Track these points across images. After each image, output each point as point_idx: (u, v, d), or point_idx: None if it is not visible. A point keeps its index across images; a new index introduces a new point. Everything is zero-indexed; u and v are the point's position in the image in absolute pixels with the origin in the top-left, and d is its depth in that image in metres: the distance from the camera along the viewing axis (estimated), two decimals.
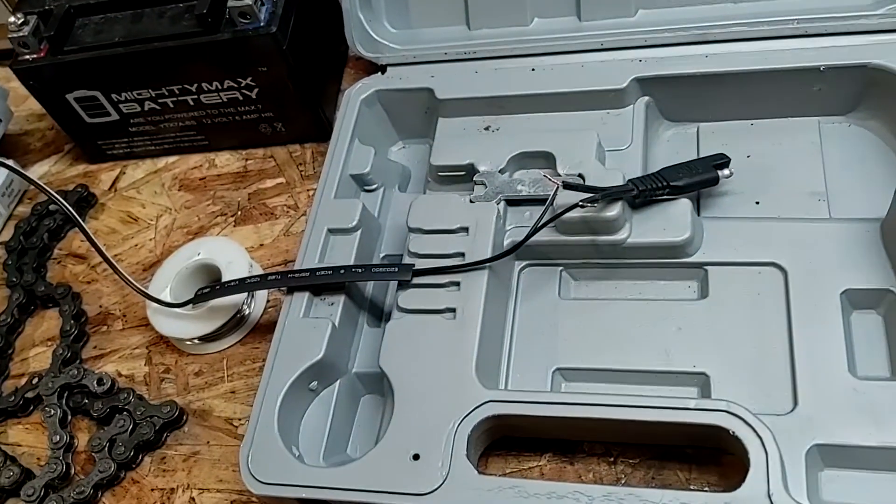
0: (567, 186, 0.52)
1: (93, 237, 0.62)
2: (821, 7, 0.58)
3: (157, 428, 0.57)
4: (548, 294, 0.56)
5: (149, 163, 0.75)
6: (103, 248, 0.62)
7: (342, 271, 0.55)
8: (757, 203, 0.57)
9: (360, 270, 0.55)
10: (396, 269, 0.54)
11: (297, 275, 0.56)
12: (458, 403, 0.49)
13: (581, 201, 0.51)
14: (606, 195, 0.52)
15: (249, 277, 0.57)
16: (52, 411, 0.59)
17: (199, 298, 0.58)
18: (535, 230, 0.52)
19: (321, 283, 0.55)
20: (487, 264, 0.53)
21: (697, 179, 0.55)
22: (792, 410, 0.46)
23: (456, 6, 0.65)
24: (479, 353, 0.50)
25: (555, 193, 0.52)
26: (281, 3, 0.64)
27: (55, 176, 0.77)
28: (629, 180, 0.54)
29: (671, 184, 0.54)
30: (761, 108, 0.60)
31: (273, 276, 0.56)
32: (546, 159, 0.57)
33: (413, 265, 0.54)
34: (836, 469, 0.46)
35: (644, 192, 0.53)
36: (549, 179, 0.53)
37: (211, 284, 0.58)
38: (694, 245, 0.54)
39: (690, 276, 0.54)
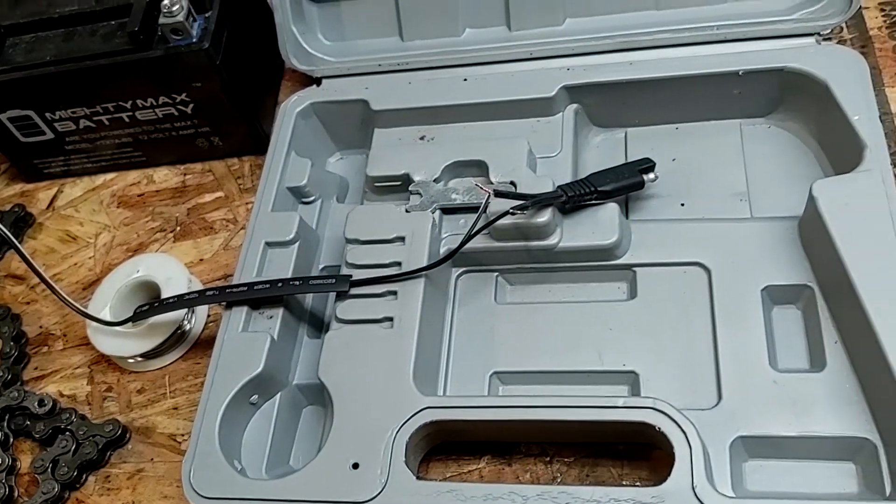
0: (498, 194, 0.53)
1: (29, 258, 0.61)
2: (739, 13, 0.60)
3: (100, 447, 0.58)
4: (484, 299, 0.57)
5: (87, 180, 0.75)
6: (41, 269, 0.62)
7: (280, 284, 0.56)
8: (682, 205, 0.59)
9: (297, 283, 0.56)
10: (334, 281, 0.55)
11: (235, 289, 0.56)
12: (396, 411, 0.50)
13: (512, 209, 0.53)
14: (536, 202, 0.54)
15: (188, 294, 0.58)
16: None
17: (138, 316, 0.58)
18: (469, 238, 0.53)
19: (259, 297, 0.56)
20: (423, 273, 0.54)
21: (624, 184, 0.56)
22: (716, 405, 0.48)
23: (389, 18, 0.66)
24: (417, 361, 0.51)
25: (487, 201, 0.54)
26: (213, 19, 0.64)
27: None
28: (559, 186, 0.55)
29: (599, 189, 0.55)
30: (685, 112, 0.62)
31: (211, 292, 0.57)
32: (479, 167, 0.59)
33: (350, 276, 0.55)
34: (759, 459, 0.48)
35: (573, 198, 0.55)
36: (481, 188, 0.54)
37: (150, 302, 0.58)
38: (622, 247, 0.55)
39: (620, 278, 0.56)
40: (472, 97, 0.63)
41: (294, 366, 0.57)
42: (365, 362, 0.52)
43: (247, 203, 0.69)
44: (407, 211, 0.58)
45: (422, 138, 0.64)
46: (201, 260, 0.67)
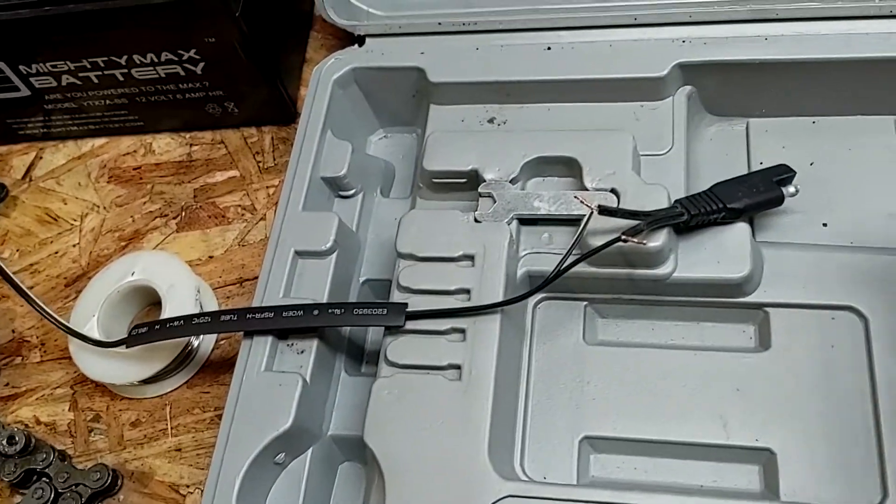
0: (604, 211, 0.41)
1: None
2: None
3: (84, 499, 0.46)
4: (569, 336, 0.45)
5: (71, 145, 0.62)
6: (12, 262, 0.50)
7: (316, 312, 0.44)
8: (824, 225, 0.46)
9: (339, 312, 0.44)
10: (385, 311, 0.43)
11: (258, 315, 0.44)
12: (469, 499, 0.38)
13: (624, 234, 0.40)
14: (653, 223, 0.41)
15: (198, 316, 0.45)
16: None
17: (133, 340, 0.46)
18: (565, 269, 0.41)
19: (290, 327, 0.44)
20: (501, 307, 0.42)
21: (759, 200, 0.44)
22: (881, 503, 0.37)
23: None
24: (493, 429, 0.40)
25: (587, 220, 0.42)
26: None
27: None
28: (676, 201, 0.43)
29: (728, 206, 0.43)
30: (827, 103, 0.49)
31: (228, 317, 0.45)
32: (568, 167, 0.46)
33: (406, 305, 0.43)
34: None
35: (696, 217, 0.43)
36: (583, 202, 0.42)
37: (149, 323, 0.46)
38: (753, 281, 0.43)
39: (746, 319, 0.44)
40: (557, 72, 0.50)
41: (329, 412, 0.45)
42: (424, 425, 0.40)
43: (267, 187, 0.56)
44: (477, 220, 0.45)
45: (491, 121, 0.51)
46: (211, 257, 0.55)
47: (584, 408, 0.43)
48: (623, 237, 0.40)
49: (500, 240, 0.44)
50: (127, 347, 0.47)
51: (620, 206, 0.43)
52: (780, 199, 0.44)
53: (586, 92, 0.49)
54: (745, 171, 0.48)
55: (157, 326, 0.46)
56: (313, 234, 0.47)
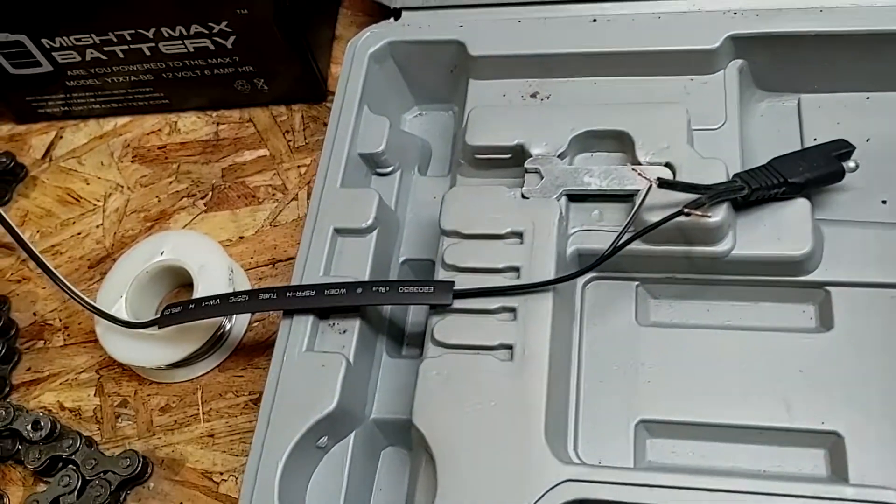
0: (663, 184, 0.40)
1: (17, 230, 0.48)
2: None
3: (113, 487, 0.44)
4: (621, 317, 0.44)
5: (93, 124, 0.60)
6: (35, 240, 0.48)
7: (359, 290, 0.42)
8: (884, 202, 0.45)
9: (383, 290, 0.42)
10: (432, 289, 0.41)
11: (299, 293, 0.42)
12: (526, 481, 0.36)
13: (686, 207, 0.39)
14: (714, 197, 0.40)
15: (235, 294, 0.44)
16: None
17: (166, 320, 0.44)
18: (621, 245, 0.40)
19: (332, 305, 0.42)
20: (552, 285, 0.41)
21: (819, 174, 0.42)
22: None
23: None
24: (549, 409, 0.38)
25: (646, 193, 0.40)
26: None
27: None
28: (735, 175, 0.42)
29: (789, 180, 0.41)
30: (882, 78, 0.47)
31: (267, 295, 0.43)
32: (619, 141, 0.45)
33: (453, 283, 0.41)
34: None
35: (756, 191, 0.41)
36: (641, 175, 0.40)
37: (182, 302, 0.44)
38: (814, 259, 0.42)
39: (806, 298, 0.43)
40: (603, 44, 0.48)
41: (371, 395, 0.44)
42: (476, 406, 0.39)
43: (298, 166, 0.54)
44: (524, 196, 0.43)
45: (534, 96, 0.49)
46: (241, 238, 0.53)
47: (639, 391, 0.42)
48: (686, 210, 0.39)
49: (549, 216, 0.42)
50: (160, 328, 0.45)
51: (682, 181, 0.41)
52: (840, 174, 0.43)
53: (633, 65, 0.48)
54: (799, 148, 0.47)
55: (191, 306, 0.44)
56: (353, 211, 0.45)
